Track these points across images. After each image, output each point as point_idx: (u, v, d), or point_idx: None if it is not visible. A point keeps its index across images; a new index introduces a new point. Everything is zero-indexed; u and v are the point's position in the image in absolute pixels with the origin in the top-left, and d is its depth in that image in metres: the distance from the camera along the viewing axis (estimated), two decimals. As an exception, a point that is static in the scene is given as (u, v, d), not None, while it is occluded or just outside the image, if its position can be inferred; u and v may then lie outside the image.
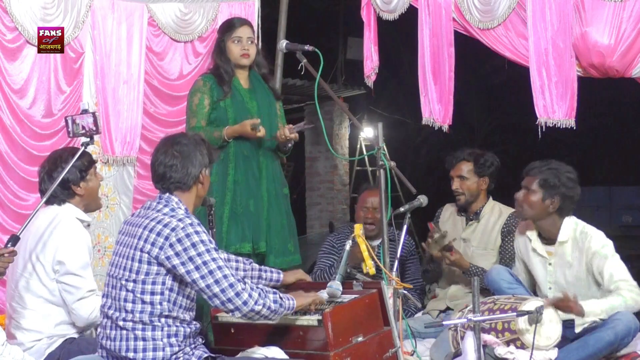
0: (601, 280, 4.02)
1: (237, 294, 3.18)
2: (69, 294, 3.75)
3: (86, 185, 3.92)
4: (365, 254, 3.76)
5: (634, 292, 3.92)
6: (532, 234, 4.24)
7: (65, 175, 3.76)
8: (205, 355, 3.29)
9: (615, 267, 3.99)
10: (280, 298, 3.33)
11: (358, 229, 3.85)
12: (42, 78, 5.06)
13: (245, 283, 3.24)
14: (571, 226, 4.13)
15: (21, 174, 4.93)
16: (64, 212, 3.85)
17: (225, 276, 3.18)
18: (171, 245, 3.17)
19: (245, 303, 3.19)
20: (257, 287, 3.28)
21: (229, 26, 4.62)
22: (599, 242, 4.04)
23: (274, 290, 3.37)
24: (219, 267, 3.19)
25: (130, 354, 3.18)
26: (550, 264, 4.15)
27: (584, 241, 4.05)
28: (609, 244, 4.05)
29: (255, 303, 3.21)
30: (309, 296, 3.51)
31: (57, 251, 3.74)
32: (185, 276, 3.18)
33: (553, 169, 4.15)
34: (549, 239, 4.18)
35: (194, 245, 3.18)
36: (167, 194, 3.33)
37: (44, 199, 3.74)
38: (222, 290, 3.18)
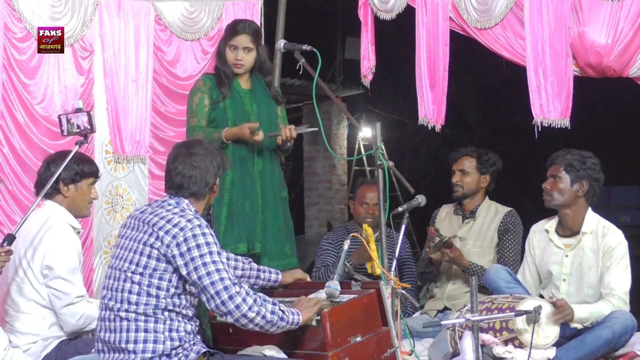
0: (601, 279, 4.07)
1: (231, 297, 3.16)
2: (57, 299, 3.74)
3: (74, 190, 3.89)
4: (374, 254, 3.76)
5: (621, 302, 3.99)
6: (551, 227, 4.28)
7: (61, 172, 3.75)
8: (204, 350, 3.29)
9: (616, 276, 4.04)
10: (282, 311, 3.26)
11: (368, 229, 3.85)
12: (54, 77, 5.05)
13: (241, 287, 3.21)
14: (595, 220, 4.18)
15: (38, 173, 4.92)
16: (55, 216, 3.83)
17: (222, 279, 3.18)
18: (177, 245, 3.19)
19: (237, 307, 3.17)
20: (255, 294, 3.24)
21: (230, 31, 4.57)
22: (616, 239, 4.10)
23: (274, 301, 3.31)
24: (218, 270, 3.18)
25: (130, 346, 3.18)
26: (567, 256, 4.19)
27: (604, 236, 4.11)
28: (625, 243, 4.11)
29: (249, 309, 3.18)
30: (314, 308, 3.41)
31: (45, 256, 3.73)
32: (187, 277, 3.20)
33: (576, 154, 4.24)
34: (570, 230, 4.21)
35: (198, 246, 3.19)
36: (180, 198, 3.37)
37: (42, 194, 3.72)
38: (217, 293, 3.17)
